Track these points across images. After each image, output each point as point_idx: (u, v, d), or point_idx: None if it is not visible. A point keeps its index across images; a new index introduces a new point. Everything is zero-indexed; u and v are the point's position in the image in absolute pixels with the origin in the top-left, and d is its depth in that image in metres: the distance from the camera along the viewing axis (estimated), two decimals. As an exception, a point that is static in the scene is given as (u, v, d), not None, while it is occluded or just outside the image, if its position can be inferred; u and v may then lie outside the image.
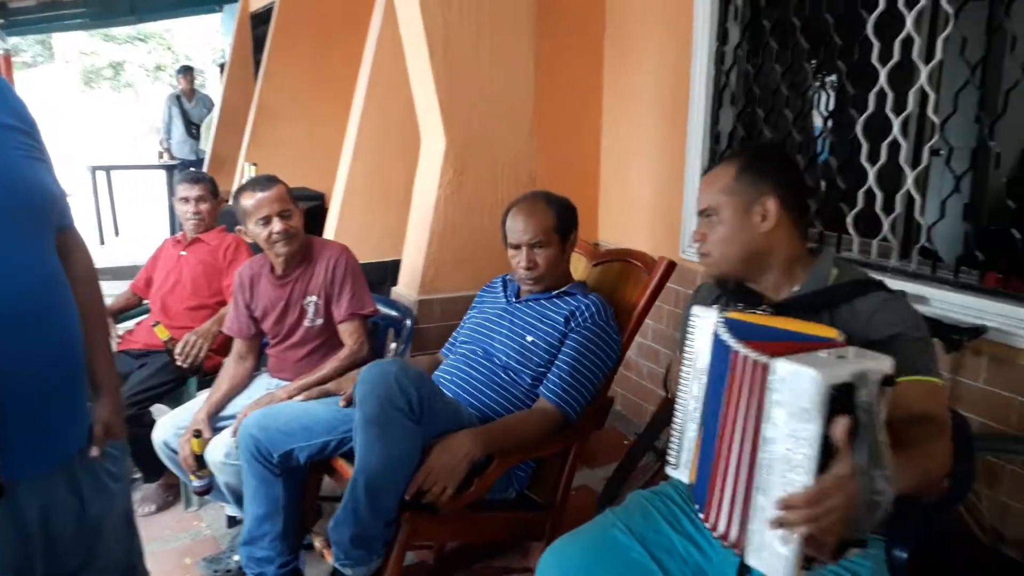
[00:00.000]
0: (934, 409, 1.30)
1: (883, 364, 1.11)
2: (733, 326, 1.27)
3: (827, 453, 1.06)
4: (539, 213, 2.08)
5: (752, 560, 1.17)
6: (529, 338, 2.06)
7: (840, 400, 1.05)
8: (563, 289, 2.13)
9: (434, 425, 1.80)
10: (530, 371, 2.04)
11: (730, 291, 1.53)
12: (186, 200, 2.89)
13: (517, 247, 2.09)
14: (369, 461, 1.71)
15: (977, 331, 2.06)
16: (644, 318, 2.19)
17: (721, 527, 1.25)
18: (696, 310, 1.40)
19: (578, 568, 1.43)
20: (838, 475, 1.05)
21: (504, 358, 2.07)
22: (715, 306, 1.38)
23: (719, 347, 1.28)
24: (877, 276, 1.47)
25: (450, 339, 2.32)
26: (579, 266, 2.37)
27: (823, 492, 1.04)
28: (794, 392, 1.08)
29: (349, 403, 2.08)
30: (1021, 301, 2.04)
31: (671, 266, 2.13)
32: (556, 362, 2.01)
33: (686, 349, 1.42)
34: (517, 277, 2.15)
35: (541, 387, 2.01)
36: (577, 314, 2.04)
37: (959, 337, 2.05)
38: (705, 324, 1.37)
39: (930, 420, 1.28)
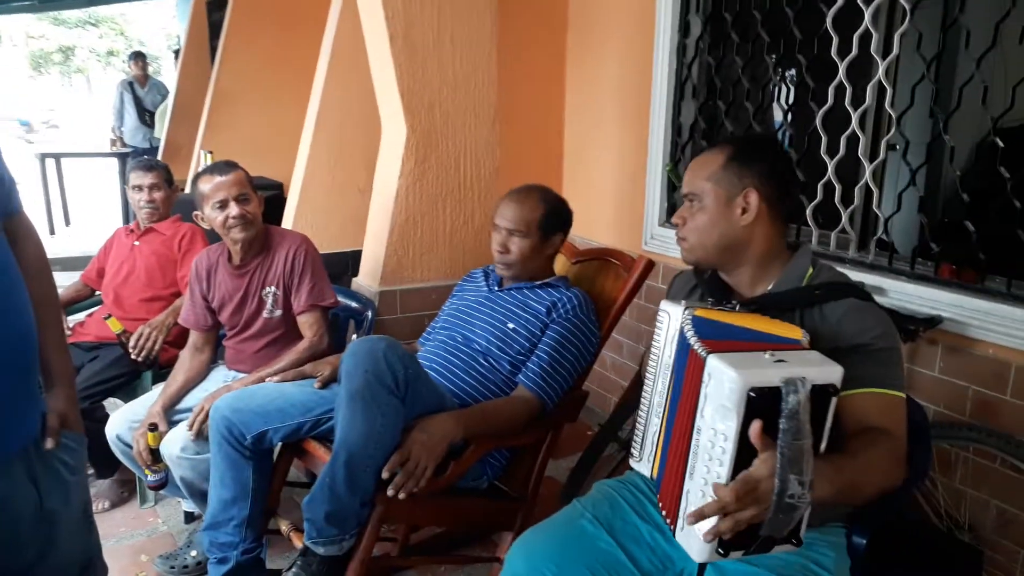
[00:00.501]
0: (889, 423, 1.30)
1: (829, 373, 1.13)
2: (699, 324, 1.28)
3: (748, 449, 1.09)
4: (528, 204, 2.11)
5: (678, 537, 1.23)
6: (510, 325, 2.08)
7: (761, 403, 1.07)
8: (546, 280, 2.16)
9: (416, 405, 1.80)
10: (509, 358, 2.05)
11: (705, 281, 1.53)
12: (139, 188, 2.81)
13: (497, 229, 2.13)
14: (350, 436, 1.69)
15: (932, 321, 2.11)
16: (622, 314, 2.20)
17: (664, 504, 1.30)
18: (664, 305, 1.40)
19: (546, 558, 1.42)
20: (750, 476, 1.07)
21: (484, 343, 2.08)
22: (683, 302, 1.38)
23: (682, 342, 1.29)
24: (836, 267, 1.48)
25: (428, 328, 2.33)
26: (558, 263, 2.38)
27: (735, 494, 1.07)
28: (718, 389, 1.12)
29: (325, 385, 2.07)
30: (974, 292, 2.09)
31: (649, 265, 2.16)
32: (536, 351, 2.03)
33: (653, 344, 1.42)
34: (494, 259, 2.18)
35: (520, 375, 2.03)
36: (559, 305, 2.06)
37: (915, 327, 2.10)
38: (672, 321, 1.37)
39: (881, 433, 1.28)
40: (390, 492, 1.72)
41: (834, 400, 1.13)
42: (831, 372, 1.13)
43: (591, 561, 1.42)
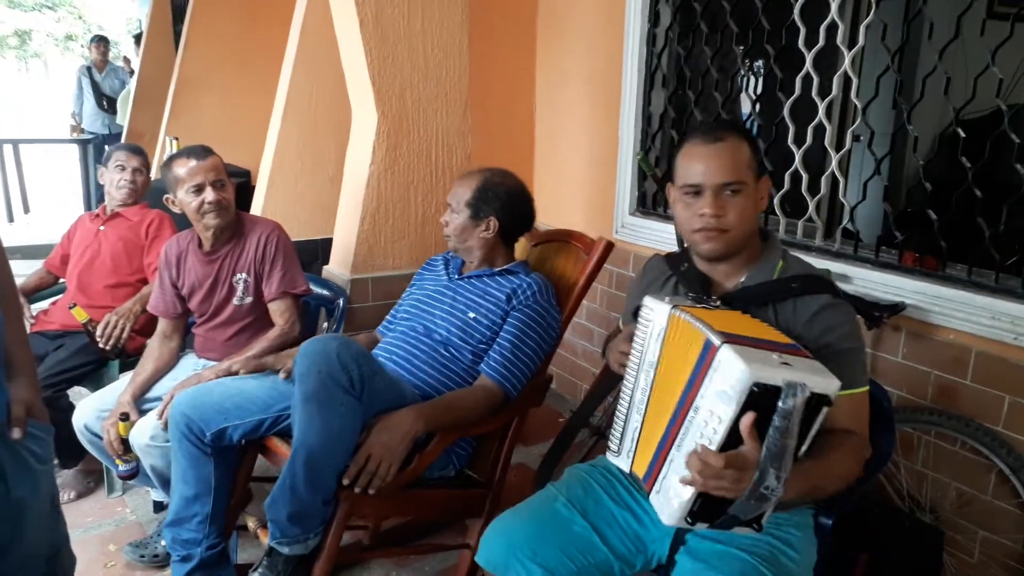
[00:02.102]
0: (854, 423, 1.36)
1: (827, 384, 1.16)
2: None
3: (736, 437, 1.16)
4: (465, 183, 2.14)
5: (652, 499, 1.31)
6: (471, 315, 2.06)
7: (761, 398, 1.13)
8: (505, 267, 2.15)
9: (375, 402, 1.79)
10: (471, 347, 2.04)
11: (683, 273, 1.53)
12: (123, 168, 2.77)
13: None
14: (308, 437, 1.68)
15: (896, 308, 2.16)
16: (583, 297, 2.22)
17: (646, 469, 1.35)
18: (648, 302, 1.40)
19: (522, 542, 1.44)
20: (735, 455, 1.14)
21: (445, 334, 2.07)
22: (666, 298, 1.38)
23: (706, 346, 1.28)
24: (803, 255, 1.51)
25: (388, 316, 2.30)
26: (519, 246, 2.37)
27: (720, 460, 1.14)
28: (725, 376, 1.18)
29: (290, 375, 2.03)
30: (936, 279, 2.15)
31: (609, 246, 2.17)
32: (498, 340, 2.02)
33: (635, 341, 1.42)
34: None
35: (482, 364, 2.02)
36: (519, 292, 2.05)
37: (879, 314, 2.14)
38: (658, 318, 1.37)
39: (846, 434, 1.34)
40: (348, 484, 1.71)
41: (824, 410, 1.17)
42: (829, 384, 1.17)
43: (565, 544, 1.45)
